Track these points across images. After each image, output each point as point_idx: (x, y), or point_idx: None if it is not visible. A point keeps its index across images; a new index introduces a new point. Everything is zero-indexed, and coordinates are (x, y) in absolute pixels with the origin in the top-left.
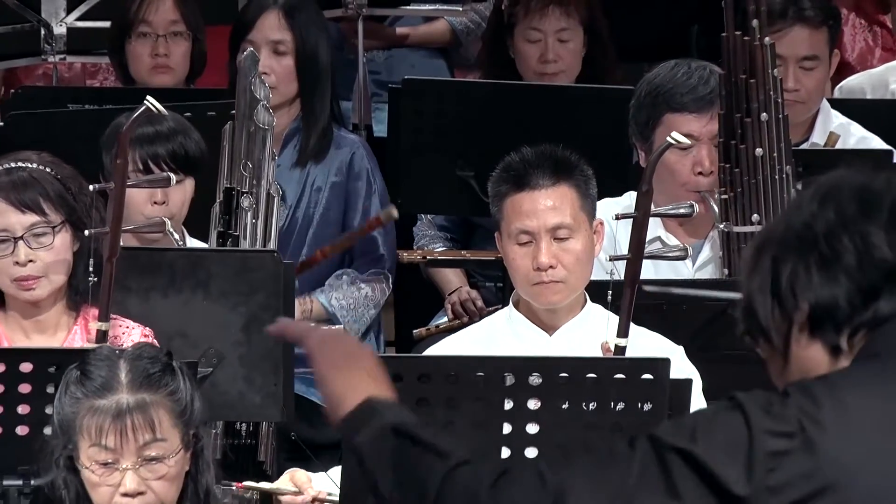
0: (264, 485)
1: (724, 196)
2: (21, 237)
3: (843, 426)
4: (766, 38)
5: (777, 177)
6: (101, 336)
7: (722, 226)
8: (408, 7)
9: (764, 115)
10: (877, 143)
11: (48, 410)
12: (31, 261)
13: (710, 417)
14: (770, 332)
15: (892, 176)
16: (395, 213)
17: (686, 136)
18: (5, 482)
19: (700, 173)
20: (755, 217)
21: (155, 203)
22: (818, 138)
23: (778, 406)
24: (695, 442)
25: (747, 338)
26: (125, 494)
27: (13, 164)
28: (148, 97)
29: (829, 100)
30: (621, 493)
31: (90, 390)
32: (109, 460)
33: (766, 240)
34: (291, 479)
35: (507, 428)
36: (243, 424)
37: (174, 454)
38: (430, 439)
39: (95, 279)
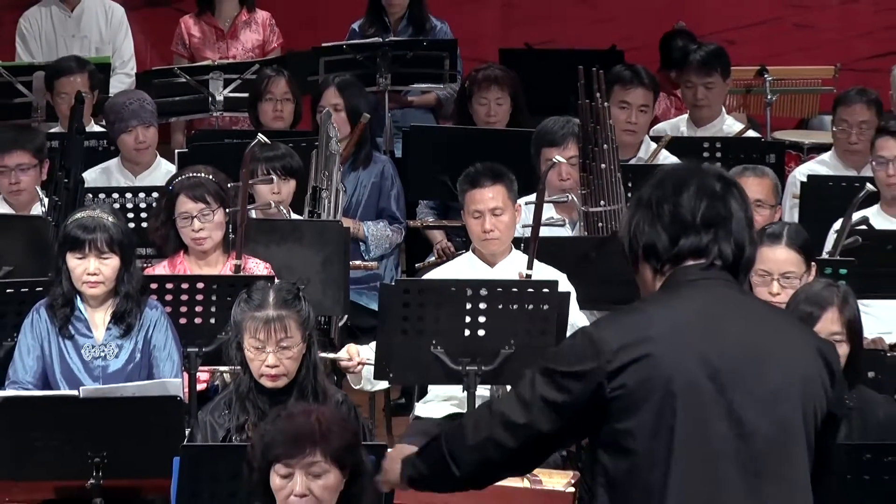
0: (330, 355)
1: (583, 192)
2: (195, 216)
3: (650, 326)
4: (605, 103)
5: (612, 180)
6: (237, 269)
7: (583, 209)
8: (413, 86)
9: (605, 146)
10: (673, 159)
11: (212, 309)
12: (202, 229)
13: (571, 345)
14: (628, 253)
15: (701, 166)
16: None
17: (550, 158)
18: (189, 349)
19: (562, 180)
20: (602, 203)
21: (274, 193)
22: (643, 154)
23: (612, 317)
24: (561, 363)
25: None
26: (268, 366)
27: (191, 174)
28: (259, 134)
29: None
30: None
31: (251, 306)
32: (259, 347)
33: (634, 203)
34: (346, 351)
35: (468, 318)
36: (321, 317)
37: (297, 346)
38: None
39: (234, 236)
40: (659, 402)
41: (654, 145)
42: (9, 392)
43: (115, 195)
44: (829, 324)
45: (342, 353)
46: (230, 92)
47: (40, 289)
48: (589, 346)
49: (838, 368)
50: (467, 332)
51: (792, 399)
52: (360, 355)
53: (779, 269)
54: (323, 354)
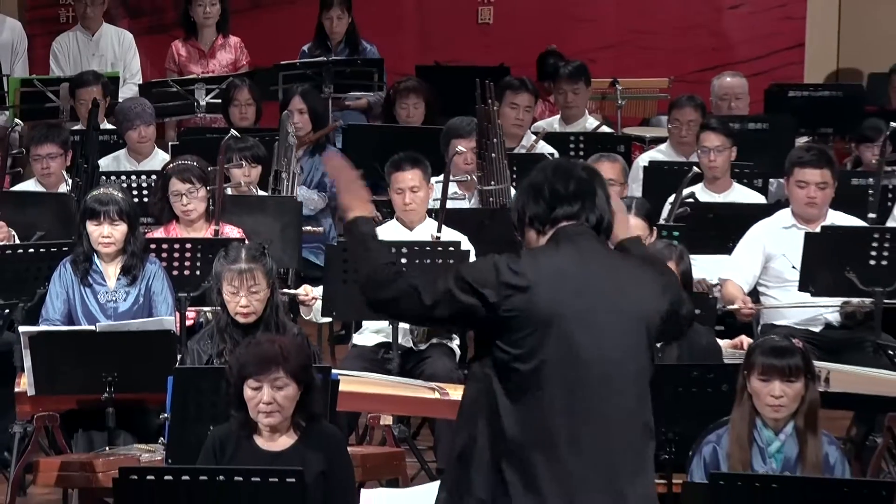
0: (290, 291)
1: (479, 174)
2: (184, 193)
3: (537, 268)
4: (495, 107)
5: (500, 165)
6: (216, 233)
7: (479, 187)
8: (350, 93)
9: (495, 140)
10: (548, 148)
11: (198, 263)
12: (189, 203)
13: (481, 266)
14: (517, 226)
15: (571, 160)
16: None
17: (457, 148)
18: (179, 294)
19: (466, 164)
20: (492, 182)
21: (245, 176)
22: (525, 143)
23: (510, 256)
24: (469, 276)
25: (515, 230)
26: (241, 306)
27: (181, 161)
28: (232, 130)
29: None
30: (440, 287)
31: (228, 260)
32: (234, 292)
33: (521, 189)
34: (304, 288)
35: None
36: (281, 269)
37: (263, 291)
38: (376, 247)
39: (214, 208)
40: (539, 326)
41: (534, 138)
42: (42, 327)
43: (123, 177)
44: None
45: (300, 290)
46: (210, 99)
47: (66, 248)
48: (492, 274)
49: (677, 293)
50: None
51: (641, 325)
52: (313, 292)
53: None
54: (285, 291)
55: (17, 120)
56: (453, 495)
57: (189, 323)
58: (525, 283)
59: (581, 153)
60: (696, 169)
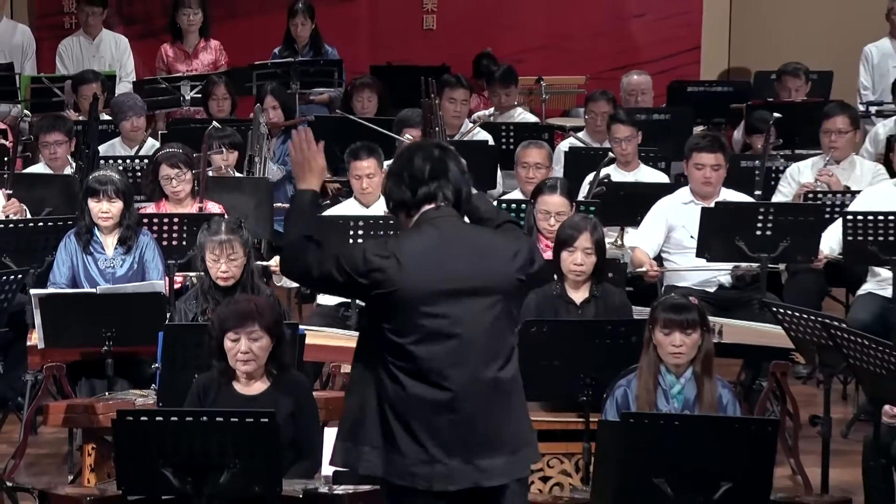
0: (264, 263)
1: None
2: (172, 177)
3: (400, 250)
4: (437, 100)
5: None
6: (199, 209)
7: None
8: (314, 89)
9: (437, 128)
10: (484, 135)
11: (184, 235)
12: (178, 185)
13: (353, 254)
14: (392, 212)
15: (424, 141)
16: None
17: (408, 135)
18: (169, 261)
19: None
20: None
21: (224, 160)
22: (464, 129)
23: (381, 242)
24: (346, 263)
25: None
26: (221, 272)
27: (169, 148)
28: (214, 122)
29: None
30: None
31: (211, 232)
32: (216, 259)
33: (385, 176)
34: (275, 261)
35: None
36: (255, 239)
37: (240, 258)
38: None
39: (198, 188)
40: (408, 302)
41: (471, 126)
42: (50, 290)
43: (120, 161)
44: (584, 241)
45: (272, 262)
46: (194, 94)
47: (70, 222)
48: (361, 261)
49: (528, 254)
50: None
51: (498, 291)
52: None
53: (555, 209)
54: (260, 262)
55: (26, 112)
56: (346, 442)
57: (177, 286)
58: (389, 265)
59: (512, 139)
60: (610, 154)
